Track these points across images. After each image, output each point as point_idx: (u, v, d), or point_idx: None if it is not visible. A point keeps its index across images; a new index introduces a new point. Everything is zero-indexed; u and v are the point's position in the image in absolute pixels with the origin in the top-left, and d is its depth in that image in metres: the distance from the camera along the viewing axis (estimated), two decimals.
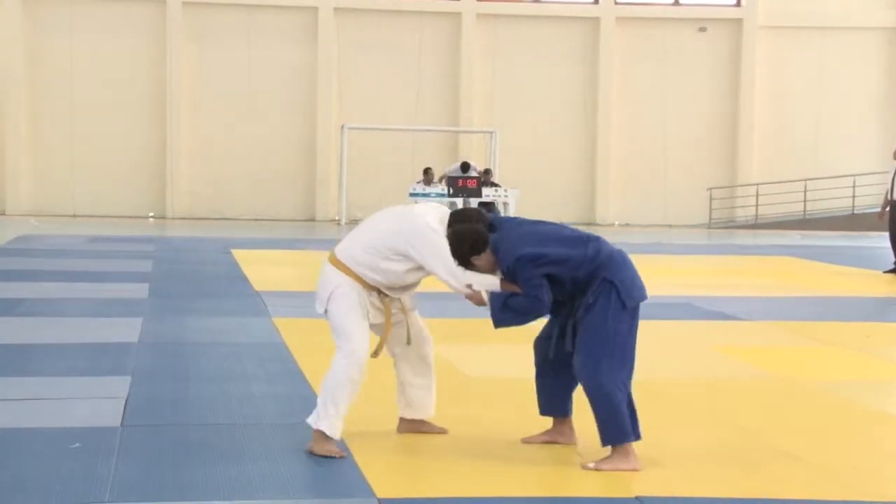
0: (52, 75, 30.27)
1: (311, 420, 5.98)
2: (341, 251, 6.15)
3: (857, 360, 9.63)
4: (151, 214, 30.56)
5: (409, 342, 6.27)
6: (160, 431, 6.58)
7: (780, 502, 5.37)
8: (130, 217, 29.68)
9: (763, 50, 32.25)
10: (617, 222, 31.33)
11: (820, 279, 16.98)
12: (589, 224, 30.95)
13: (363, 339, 6.02)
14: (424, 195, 25.12)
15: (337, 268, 6.11)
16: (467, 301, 6.06)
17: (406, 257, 5.95)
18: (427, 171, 25.94)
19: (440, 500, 5.29)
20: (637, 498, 5.34)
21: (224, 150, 30.73)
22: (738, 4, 32.40)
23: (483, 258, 5.87)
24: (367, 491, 5.36)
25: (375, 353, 6.14)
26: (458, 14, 31.49)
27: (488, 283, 5.91)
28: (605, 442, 5.78)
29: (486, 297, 5.90)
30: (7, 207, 29.94)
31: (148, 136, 30.71)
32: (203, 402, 7.47)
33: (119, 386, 7.64)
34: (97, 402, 7.22)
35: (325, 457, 5.84)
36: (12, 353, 9.16)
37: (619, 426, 5.73)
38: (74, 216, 29.14)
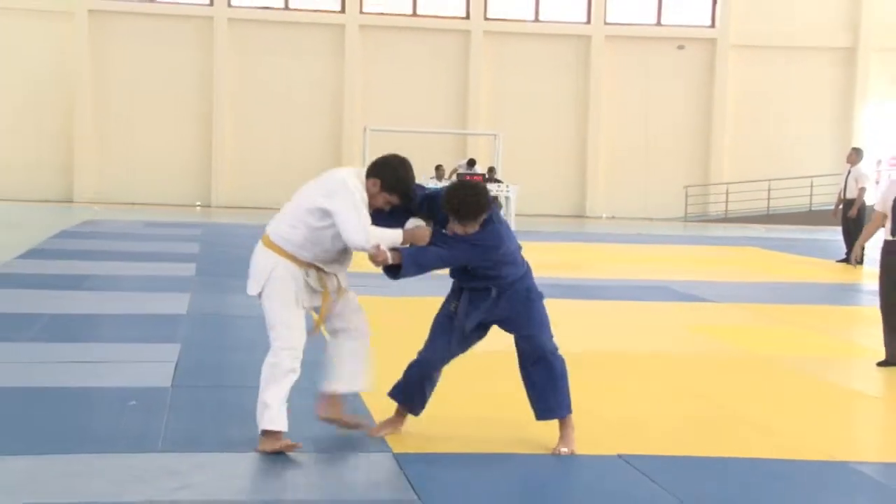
0: (113, 81, 30.29)
1: (259, 421, 5.23)
2: (273, 232, 5.39)
3: (813, 339, 9.64)
4: (198, 203, 30.62)
5: (344, 319, 5.57)
6: (204, 392, 6.64)
7: (744, 460, 5.40)
8: (179, 205, 29.74)
9: (734, 65, 32.18)
10: (604, 215, 31.31)
11: (781, 267, 16.98)
12: (580, 216, 31.00)
13: (301, 331, 5.35)
14: (436, 190, 25.08)
15: (271, 249, 5.36)
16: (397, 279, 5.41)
17: (325, 214, 5.18)
18: (438, 168, 25.94)
19: (449, 455, 5.31)
20: (619, 455, 5.36)
21: (261, 148, 30.79)
22: (713, 25, 32.32)
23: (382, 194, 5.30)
24: (385, 446, 5.40)
25: (312, 332, 5.52)
26: (468, 31, 31.50)
27: (393, 239, 5.24)
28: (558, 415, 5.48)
29: (389, 256, 5.16)
30: (74, 196, 30.03)
31: (196, 134, 30.78)
32: (241, 367, 7.50)
33: (170, 352, 7.70)
34: (151, 366, 7.27)
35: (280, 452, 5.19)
36: (80, 322, 9.23)
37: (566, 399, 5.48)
38: (131, 204, 29.19)
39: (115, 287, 11.57)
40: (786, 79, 32.16)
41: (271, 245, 5.36)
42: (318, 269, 5.35)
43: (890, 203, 7.96)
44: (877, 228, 8.21)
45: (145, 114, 30.32)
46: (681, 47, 32.11)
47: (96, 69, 30.15)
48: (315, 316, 5.51)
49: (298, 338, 5.33)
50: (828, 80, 32.48)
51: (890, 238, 7.95)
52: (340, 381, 5.59)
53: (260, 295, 5.37)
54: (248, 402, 6.34)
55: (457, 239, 5.29)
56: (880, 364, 7.99)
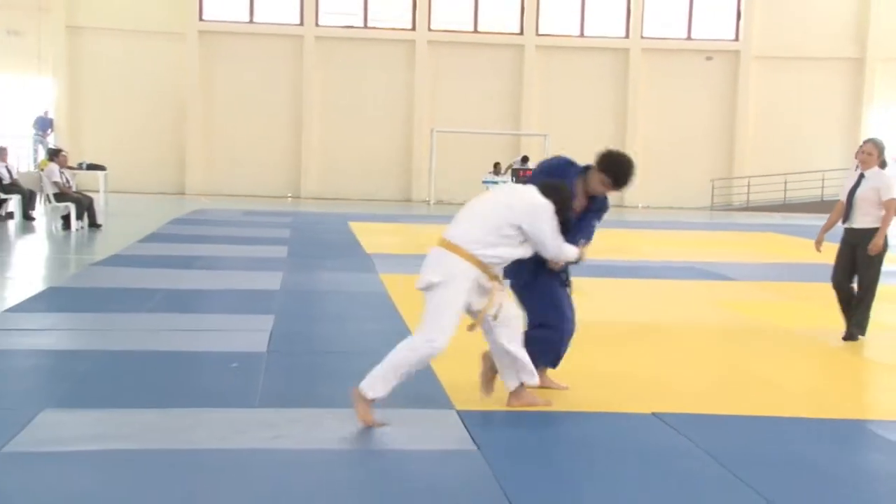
0: (219, 91, 30.62)
1: (364, 386, 4.88)
2: (457, 236, 5.07)
3: (823, 312, 9.47)
4: (289, 195, 30.86)
5: (496, 318, 5.17)
6: (295, 356, 6.67)
7: (764, 418, 5.32)
8: (274, 197, 30.00)
9: (755, 74, 31.66)
10: (640, 205, 31.04)
11: (796, 250, 16.70)
12: (619, 206, 30.75)
13: (451, 334, 5.00)
14: (494, 182, 25.08)
15: (456, 253, 5.02)
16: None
17: (519, 231, 5.05)
18: (496, 165, 25.90)
19: (505, 413, 5.28)
20: (653, 413, 5.30)
21: (344, 147, 30.93)
22: (737, 39, 31.79)
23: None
24: (449, 404, 5.39)
25: (472, 328, 5.21)
26: (522, 45, 31.34)
27: (574, 253, 5.31)
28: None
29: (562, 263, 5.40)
30: (186, 188, 30.43)
31: (288, 136, 31.01)
32: (327, 335, 7.56)
33: (265, 322, 7.74)
34: (249, 334, 7.31)
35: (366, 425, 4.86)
36: (189, 295, 9.34)
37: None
38: (233, 195, 29.51)
39: (219, 266, 11.68)
40: (801, 86, 31.60)
41: (456, 248, 5.03)
42: (489, 273, 5.10)
43: (845, 192, 7.79)
44: (839, 217, 7.96)
45: (245, 119, 30.61)
46: (709, 58, 31.67)
47: (204, 81, 30.47)
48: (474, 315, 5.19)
49: (446, 342, 4.98)
50: (838, 87, 31.84)
51: (844, 225, 7.80)
52: (515, 375, 5.29)
53: (430, 288, 5.04)
54: (335, 365, 6.41)
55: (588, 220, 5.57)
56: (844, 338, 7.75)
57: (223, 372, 6.03)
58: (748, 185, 31.29)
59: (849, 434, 5.15)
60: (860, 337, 7.73)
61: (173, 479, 4.08)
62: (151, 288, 9.50)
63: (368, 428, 4.83)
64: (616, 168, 5.54)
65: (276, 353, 6.66)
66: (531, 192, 5.18)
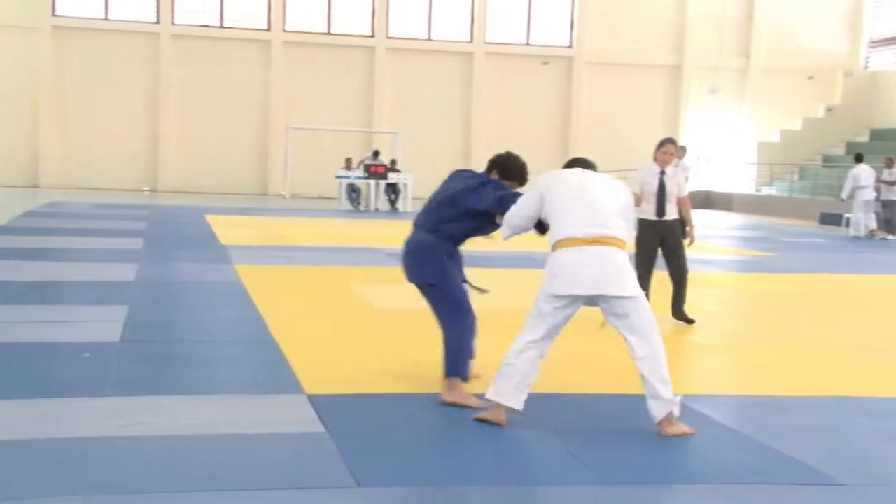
0: (74, 86, 29.44)
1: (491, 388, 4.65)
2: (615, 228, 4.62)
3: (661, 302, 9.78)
4: (146, 188, 29.90)
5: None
6: (149, 345, 6.44)
7: (591, 396, 5.43)
8: (131, 190, 29.01)
9: (588, 78, 32.60)
10: None
11: None
12: None
13: None
14: (347, 177, 24.95)
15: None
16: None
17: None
18: (348, 160, 25.72)
19: (358, 396, 5.23)
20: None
21: (201, 142, 30.21)
22: (571, 46, 32.65)
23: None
24: (299, 388, 5.30)
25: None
26: (373, 47, 31.31)
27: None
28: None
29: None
30: (40, 182, 29.04)
31: (145, 131, 30.08)
32: (181, 324, 7.34)
33: (119, 312, 7.43)
34: (102, 324, 7.01)
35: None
36: (42, 287, 8.93)
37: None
38: (89, 189, 28.36)
39: (72, 258, 11.19)
40: (628, 90, 32.73)
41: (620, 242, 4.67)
42: None
43: (653, 188, 7.96)
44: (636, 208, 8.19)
45: (101, 114, 29.55)
46: (545, 63, 32.42)
47: (59, 75, 29.23)
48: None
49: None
50: (660, 91, 33.16)
51: (654, 218, 7.97)
52: None
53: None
54: (188, 352, 6.22)
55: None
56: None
57: (75, 362, 5.76)
58: None
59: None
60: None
61: (21, 470, 3.86)
62: (3, 280, 9.02)
63: (222, 413, 4.71)
64: (500, 165, 5.25)
65: (129, 342, 6.41)
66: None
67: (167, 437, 4.33)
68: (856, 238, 19.71)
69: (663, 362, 4.54)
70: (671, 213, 8.01)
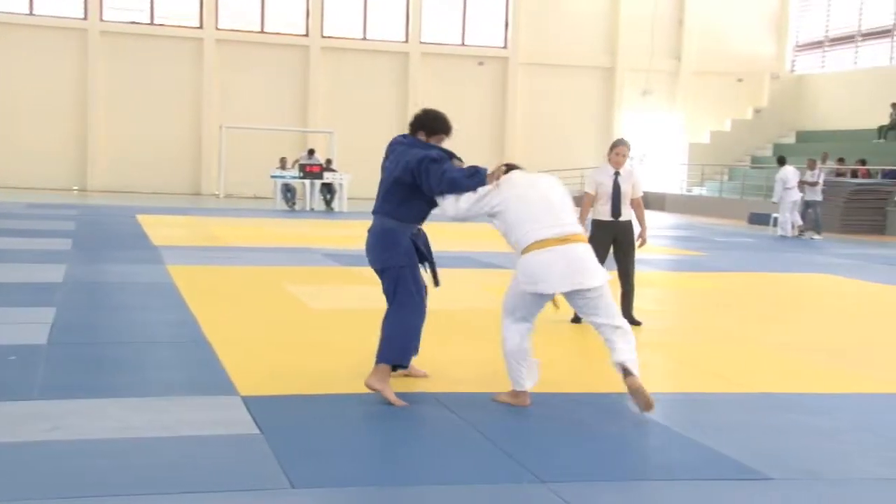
0: (0, 88, 28.70)
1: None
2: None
3: None
4: (76, 188, 29.26)
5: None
6: (77, 347, 6.30)
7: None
8: (59, 189, 28.37)
9: (523, 79, 32.80)
10: None
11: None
12: None
13: None
14: (281, 177, 24.73)
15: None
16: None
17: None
18: (282, 160, 25.52)
19: (292, 397, 5.18)
20: (433, 394, 5.32)
21: (132, 140, 29.67)
22: (506, 47, 32.81)
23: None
24: (233, 390, 5.23)
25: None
26: (308, 46, 31.08)
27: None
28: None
29: None
30: None
31: (74, 129, 29.44)
32: (111, 326, 7.19)
33: (46, 314, 7.27)
34: (29, 326, 6.84)
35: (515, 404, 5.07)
36: None
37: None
38: (16, 188, 27.65)
39: None
40: (562, 91, 33.02)
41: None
42: None
43: (607, 189, 7.98)
44: (589, 209, 8.14)
45: (28, 111, 28.84)
46: (481, 64, 32.54)
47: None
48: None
49: None
50: (593, 92, 33.51)
51: (609, 219, 8.02)
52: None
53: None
54: (119, 355, 6.09)
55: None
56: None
57: (0, 365, 5.59)
58: None
59: (606, 406, 5.36)
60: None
61: None
62: None
63: (153, 416, 4.61)
64: (424, 124, 5.43)
65: (57, 344, 6.27)
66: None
67: (95, 441, 4.23)
68: (783, 238, 20.16)
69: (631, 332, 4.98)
70: (626, 215, 8.05)
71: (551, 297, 5.00)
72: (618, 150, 8.07)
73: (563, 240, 4.87)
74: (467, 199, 5.03)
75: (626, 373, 4.89)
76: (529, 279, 4.88)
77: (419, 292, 5.29)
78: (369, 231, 5.36)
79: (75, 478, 3.77)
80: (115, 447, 4.17)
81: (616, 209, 8.03)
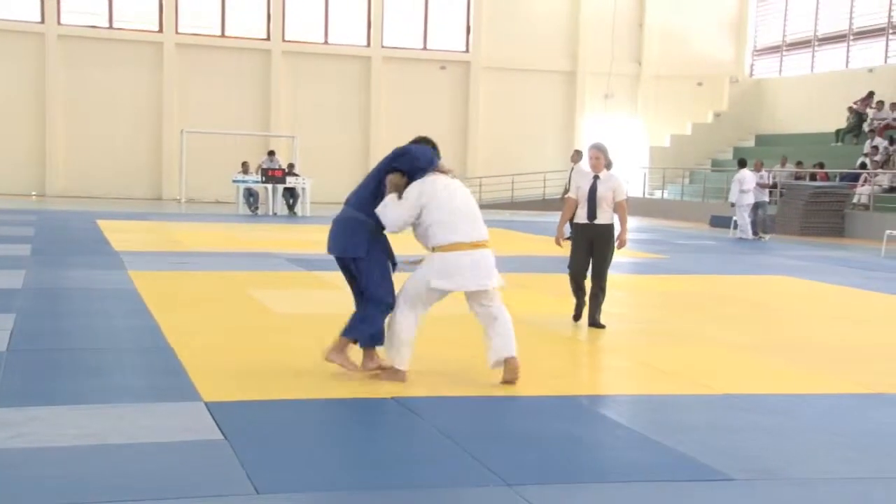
0: None
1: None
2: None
3: (549, 300, 9.95)
4: (34, 193, 28.86)
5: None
6: (38, 354, 6.22)
7: (496, 399, 5.46)
8: (17, 195, 27.95)
9: (485, 83, 32.89)
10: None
11: (522, 244, 17.46)
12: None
13: None
14: (244, 181, 24.58)
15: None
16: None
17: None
18: (244, 164, 25.36)
19: (256, 402, 5.15)
20: (393, 398, 5.32)
21: (92, 145, 29.39)
22: (467, 51, 32.88)
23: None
24: (196, 396, 5.20)
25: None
26: (269, 51, 30.95)
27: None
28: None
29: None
30: None
31: (32, 134, 29.09)
32: (73, 332, 7.10)
33: (6, 321, 7.16)
34: None
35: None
36: None
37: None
38: None
39: None
40: (524, 95, 33.15)
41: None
42: None
43: (585, 192, 8.08)
44: (571, 212, 8.24)
45: None
46: (442, 68, 32.58)
47: None
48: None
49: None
50: (555, 96, 33.70)
51: (585, 221, 8.09)
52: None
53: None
54: (80, 361, 6.02)
55: None
56: (574, 319, 8.24)
57: None
58: (479, 185, 32.37)
59: (571, 409, 5.39)
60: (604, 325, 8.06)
61: None
62: None
63: (116, 423, 4.57)
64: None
65: (16, 351, 6.18)
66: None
67: (56, 449, 4.18)
68: (742, 240, 20.40)
69: (512, 331, 5.63)
70: (602, 218, 8.07)
71: (449, 294, 5.56)
72: (590, 154, 8.16)
73: (476, 245, 5.50)
74: (395, 206, 5.50)
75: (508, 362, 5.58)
76: (442, 276, 5.43)
77: (385, 280, 5.60)
78: (334, 219, 5.71)
79: (36, 486, 3.72)
80: (76, 455, 4.12)
81: (592, 212, 8.07)
